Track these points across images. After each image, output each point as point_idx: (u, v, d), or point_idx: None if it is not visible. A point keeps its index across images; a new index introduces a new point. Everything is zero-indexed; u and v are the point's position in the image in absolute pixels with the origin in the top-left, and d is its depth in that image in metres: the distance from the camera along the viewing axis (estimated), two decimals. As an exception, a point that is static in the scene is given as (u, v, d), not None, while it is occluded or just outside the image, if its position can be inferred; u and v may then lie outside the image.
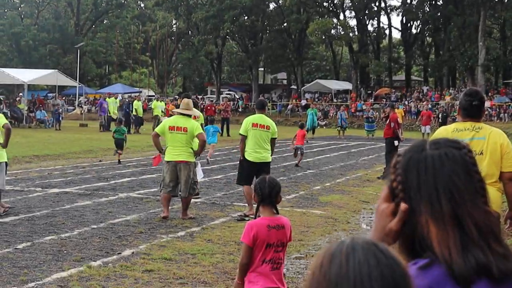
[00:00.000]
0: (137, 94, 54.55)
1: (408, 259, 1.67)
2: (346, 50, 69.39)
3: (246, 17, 63.08)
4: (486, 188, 1.73)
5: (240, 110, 58.40)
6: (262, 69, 76.71)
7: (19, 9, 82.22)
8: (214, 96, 64.73)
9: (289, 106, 57.32)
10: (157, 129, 11.54)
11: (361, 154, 25.90)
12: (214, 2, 60.80)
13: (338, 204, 13.20)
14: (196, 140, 11.14)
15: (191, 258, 8.36)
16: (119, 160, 20.01)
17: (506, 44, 56.76)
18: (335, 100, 57.03)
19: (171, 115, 19.48)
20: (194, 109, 12.03)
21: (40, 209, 11.54)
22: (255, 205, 5.21)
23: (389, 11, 64.14)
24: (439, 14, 58.73)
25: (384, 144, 19.13)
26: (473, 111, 5.81)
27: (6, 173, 11.65)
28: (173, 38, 77.73)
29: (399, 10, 63.37)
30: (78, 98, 55.50)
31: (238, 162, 12.14)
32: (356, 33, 61.18)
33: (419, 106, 48.60)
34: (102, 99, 39.50)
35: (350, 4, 61.79)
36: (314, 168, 19.97)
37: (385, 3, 63.60)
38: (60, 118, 38.60)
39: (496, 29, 64.03)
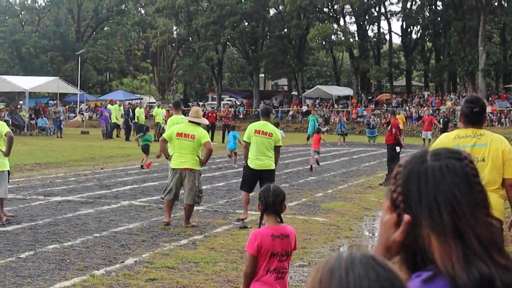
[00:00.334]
0: (138, 101, 54.57)
1: (410, 271, 1.68)
2: (346, 56, 69.41)
3: (246, 23, 63.20)
4: (488, 199, 1.72)
5: (241, 116, 58.45)
6: (263, 75, 76.77)
7: (20, 16, 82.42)
8: (215, 102, 64.76)
9: (290, 113, 57.34)
10: (165, 135, 11.59)
11: (363, 161, 25.90)
12: (215, 9, 60.93)
13: (341, 211, 13.21)
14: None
15: (194, 266, 8.37)
16: (141, 165, 20.20)
17: (507, 49, 56.78)
18: (336, 106, 57.05)
19: None
20: (202, 117, 12.10)
21: (43, 217, 11.56)
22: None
23: (389, 16, 64.23)
24: (439, 19, 58.82)
25: (386, 150, 19.13)
26: (474, 117, 5.83)
27: (8, 181, 11.68)
28: (173, 44, 77.76)
29: (399, 15, 63.49)
30: (79, 105, 55.56)
31: (243, 168, 12.19)
32: (357, 38, 61.26)
33: (420, 111, 48.61)
34: (103, 108, 39.47)
35: (350, 9, 61.84)
36: (316, 175, 19.98)
37: (385, 8, 63.71)
38: (62, 126, 38.63)
39: (496, 33, 64.06)
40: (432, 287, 1.61)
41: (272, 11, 65.97)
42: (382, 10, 63.37)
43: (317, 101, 61.11)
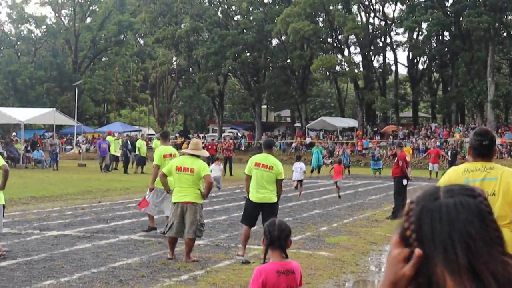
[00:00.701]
0: (136, 133, 54.72)
1: None
2: (351, 87, 69.78)
3: (248, 54, 63.60)
4: (503, 236, 1.73)
5: (242, 148, 58.54)
6: (265, 106, 77.05)
7: (16, 46, 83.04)
8: (216, 134, 64.93)
9: (293, 145, 57.42)
10: (164, 169, 11.65)
11: (368, 194, 25.88)
12: (216, 39, 61.37)
13: (346, 246, 13.18)
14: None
15: (195, 302, 8.34)
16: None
17: (516, 80, 57.09)
18: (340, 138, 57.15)
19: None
20: (203, 150, 12.15)
21: (38, 252, 11.53)
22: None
23: (395, 46, 64.70)
24: (446, 49, 59.18)
25: (392, 183, 19.13)
26: (483, 151, 5.84)
27: (3, 215, 11.68)
28: (173, 75, 78.27)
29: (405, 45, 63.90)
30: (76, 137, 55.72)
31: (245, 201, 12.20)
32: (362, 69, 61.56)
33: (427, 143, 48.69)
34: (101, 140, 39.46)
35: (355, 40, 62.29)
36: (320, 208, 19.95)
37: (391, 38, 64.16)
38: (58, 158, 38.69)
39: (505, 64, 64.43)
40: None
41: (274, 41, 66.51)
42: (388, 40, 63.84)
43: (321, 133, 61.25)
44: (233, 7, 67.25)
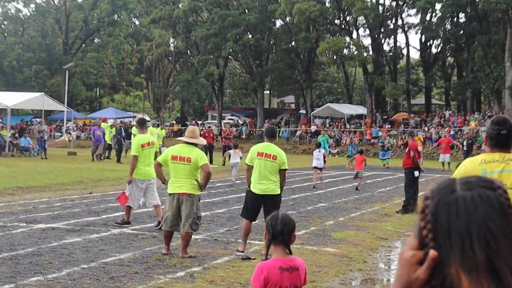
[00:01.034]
0: (131, 119, 54.72)
1: None
2: (359, 72, 69.68)
3: (250, 36, 63.46)
4: None
5: (243, 137, 58.54)
6: (268, 92, 77.01)
7: (2, 26, 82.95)
8: (216, 121, 64.92)
9: (298, 133, 57.45)
10: (159, 159, 11.61)
11: (378, 186, 25.88)
12: (216, 20, 61.25)
13: (353, 241, 13.16)
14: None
15: (192, 301, 8.33)
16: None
17: (536, 65, 56.91)
18: (348, 126, 57.15)
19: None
20: (200, 137, 12.08)
21: (25, 246, 11.51)
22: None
23: (406, 29, 64.55)
24: (461, 32, 59.01)
25: (403, 175, 19.10)
26: (501, 141, 5.79)
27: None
28: (170, 58, 78.19)
29: (417, 28, 63.77)
30: (66, 123, 55.71)
31: (245, 193, 12.16)
32: (371, 53, 61.48)
33: (440, 132, 48.58)
34: (96, 127, 39.16)
35: (364, 21, 62.13)
36: (326, 201, 19.94)
37: (403, 20, 64.05)
38: (46, 146, 38.59)
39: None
40: None
41: (278, 23, 66.36)
42: (399, 22, 63.70)
43: (327, 120, 61.25)
44: (235, -14, 67.14)
